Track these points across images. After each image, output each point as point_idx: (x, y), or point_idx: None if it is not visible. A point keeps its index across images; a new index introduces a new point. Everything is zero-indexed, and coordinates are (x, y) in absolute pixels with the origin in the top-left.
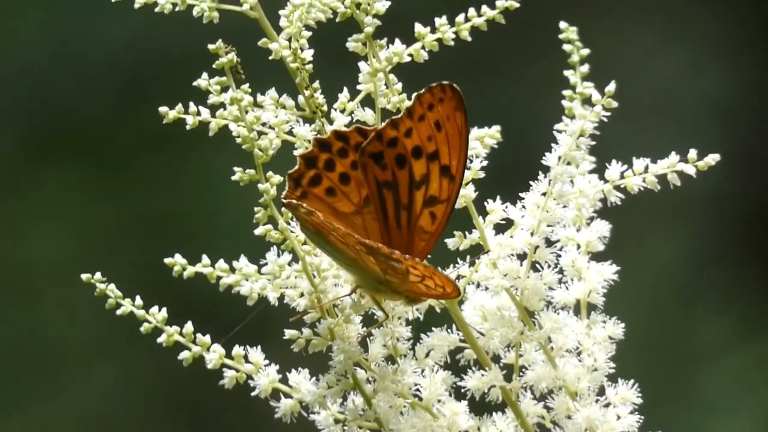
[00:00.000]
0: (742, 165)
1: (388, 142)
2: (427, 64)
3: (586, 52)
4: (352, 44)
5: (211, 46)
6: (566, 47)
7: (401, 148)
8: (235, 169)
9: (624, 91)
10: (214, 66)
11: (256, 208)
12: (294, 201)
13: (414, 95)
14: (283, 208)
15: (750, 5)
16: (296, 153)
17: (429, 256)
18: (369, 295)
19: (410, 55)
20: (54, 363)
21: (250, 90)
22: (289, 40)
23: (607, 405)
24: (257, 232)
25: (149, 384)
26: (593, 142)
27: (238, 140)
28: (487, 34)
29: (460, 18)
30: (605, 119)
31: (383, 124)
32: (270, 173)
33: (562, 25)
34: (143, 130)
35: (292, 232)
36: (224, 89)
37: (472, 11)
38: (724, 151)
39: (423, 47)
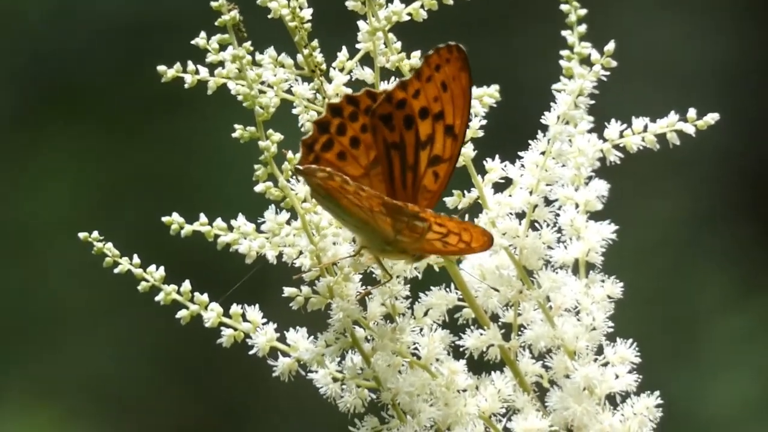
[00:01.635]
0: (743, 125)
1: (397, 103)
2: (427, 25)
3: (583, 12)
4: (351, 3)
5: (213, 3)
6: (564, 7)
7: (409, 109)
8: (236, 126)
9: (623, 55)
10: (216, 23)
11: (256, 166)
12: (312, 167)
13: (423, 56)
14: (283, 166)
15: None
16: (308, 120)
17: None
18: (373, 255)
19: (409, 14)
20: (54, 323)
21: (252, 48)
22: None
23: (605, 364)
24: (257, 189)
25: (150, 345)
26: (592, 102)
27: (239, 98)
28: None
29: None
30: (605, 79)
31: (393, 85)
32: (270, 131)
33: None
34: (145, 92)
35: (292, 189)
36: (222, 48)
37: None
38: (724, 111)
39: (422, 6)
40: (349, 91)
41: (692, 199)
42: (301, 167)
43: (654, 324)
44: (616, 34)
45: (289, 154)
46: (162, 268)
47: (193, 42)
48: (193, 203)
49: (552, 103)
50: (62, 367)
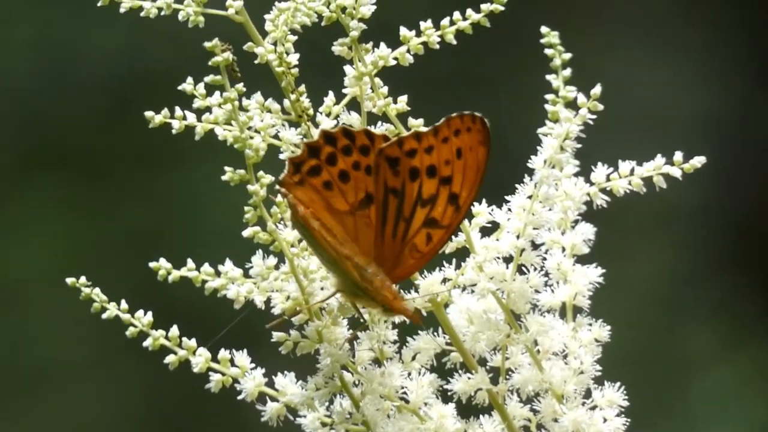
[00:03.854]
0: (728, 178)
1: (407, 151)
2: (414, 69)
3: (568, 56)
4: (338, 48)
5: (207, 44)
6: (548, 51)
7: (418, 161)
8: (226, 168)
9: (610, 106)
10: (210, 63)
11: (245, 208)
12: (289, 183)
13: (444, 118)
14: (272, 210)
15: (735, 19)
16: (303, 141)
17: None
18: (349, 300)
19: (395, 58)
20: (40, 377)
21: (245, 90)
22: (275, 44)
23: (593, 408)
24: (245, 233)
25: (137, 399)
26: (579, 145)
27: (229, 141)
28: (475, 49)
29: (446, 22)
30: (591, 123)
31: (408, 133)
32: (261, 172)
33: (544, 29)
34: (130, 144)
35: (280, 233)
36: (210, 93)
37: (457, 15)
38: (710, 164)
39: (408, 51)
40: None
41: (676, 253)
42: (281, 180)
43: (642, 377)
44: (602, 85)
45: (278, 198)
46: (150, 313)
47: (180, 87)
48: (180, 255)
49: (539, 147)
50: (48, 422)
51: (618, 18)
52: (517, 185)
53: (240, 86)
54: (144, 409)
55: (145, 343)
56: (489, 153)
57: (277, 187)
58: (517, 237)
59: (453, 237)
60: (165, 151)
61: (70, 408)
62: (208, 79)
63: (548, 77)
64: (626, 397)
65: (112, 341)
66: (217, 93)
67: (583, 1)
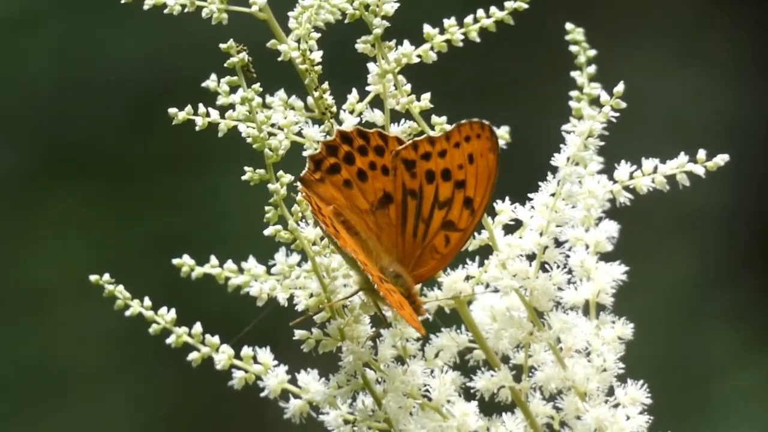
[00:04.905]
0: (753, 183)
1: (422, 154)
2: (438, 66)
3: (592, 53)
4: (361, 46)
5: (222, 45)
6: (573, 48)
7: (433, 164)
8: (246, 168)
9: (635, 111)
10: (225, 65)
11: (266, 208)
12: (310, 180)
13: (454, 124)
14: (293, 208)
15: (760, 24)
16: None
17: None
18: (371, 298)
19: (419, 56)
20: (62, 384)
21: (261, 89)
22: (298, 41)
23: (616, 405)
24: (267, 232)
25: (158, 407)
26: (602, 143)
27: (248, 140)
28: (499, 53)
29: (469, 19)
30: (614, 123)
31: (421, 137)
32: (281, 172)
33: (569, 26)
34: (154, 150)
35: (301, 232)
36: (233, 90)
37: (481, 12)
38: (734, 168)
39: (432, 48)
40: None
41: (700, 256)
42: (302, 177)
43: (666, 381)
44: (627, 90)
45: (299, 197)
46: (173, 310)
47: (204, 84)
48: (206, 260)
49: (562, 145)
50: (72, 427)
51: (642, 24)
52: (540, 183)
53: (257, 86)
54: (167, 414)
55: (168, 340)
56: (498, 160)
57: (297, 183)
58: (540, 234)
59: (476, 234)
60: (189, 156)
61: (93, 413)
62: (225, 79)
63: (573, 74)
64: (649, 395)
65: (136, 347)
66: (240, 90)
67: (607, 8)
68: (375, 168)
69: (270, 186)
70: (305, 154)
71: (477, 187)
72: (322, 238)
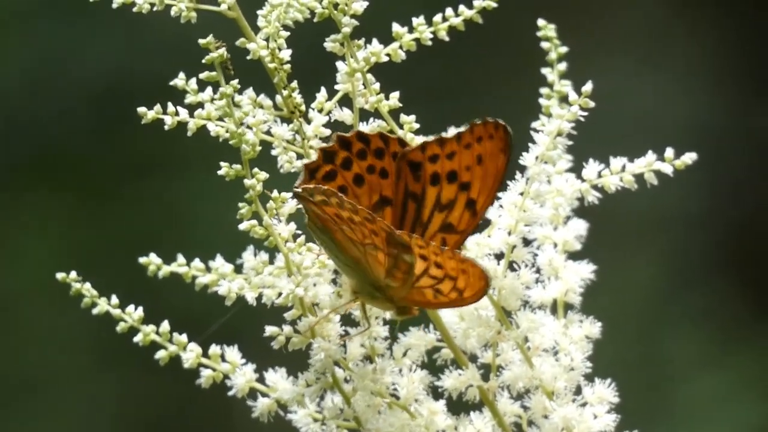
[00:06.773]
0: (722, 185)
1: (430, 156)
2: (407, 66)
3: (564, 49)
4: (330, 44)
5: (202, 41)
6: (544, 45)
7: (440, 167)
8: (222, 164)
9: (605, 114)
10: (204, 61)
11: (240, 204)
12: (311, 186)
13: (468, 123)
14: (268, 205)
15: (730, 28)
16: (317, 146)
17: None
18: (362, 301)
19: (388, 54)
20: (32, 386)
21: (239, 86)
22: (267, 40)
23: (583, 404)
24: (242, 227)
25: (127, 408)
26: (570, 143)
27: (224, 137)
28: (468, 53)
29: (438, 18)
30: (583, 123)
31: (431, 138)
32: (256, 169)
33: (540, 22)
34: (122, 154)
35: (275, 228)
36: (201, 88)
37: (449, 11)
38: (704, 172)
39: (401, 47)
40: (328, 132)
41: (669, 257)
42: (299, 189)
43: (632, 382)
44: (598, 92)
45: (274, 193)
46: (141, 308)
47: (171, 83)
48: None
49: (530, 144)
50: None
51: (612, 27)
52: (509, 182)
53: (235, 82)
54: (136, 415)
55: (136, 339)
56: (508, 160)
57: (297, 190)
58: (509, 233)
59: None
60: (158, 160)
61: (61, 417)
62: (203, 75)
63: (543, 70)
64: (617, 394)
65: (105, 350)
66: (208, 89)
67: (578, 10)
68: (373, 171)
69: (246, 181)
70: (299, 164)
71: (482, 188)
72: (295, 237)
